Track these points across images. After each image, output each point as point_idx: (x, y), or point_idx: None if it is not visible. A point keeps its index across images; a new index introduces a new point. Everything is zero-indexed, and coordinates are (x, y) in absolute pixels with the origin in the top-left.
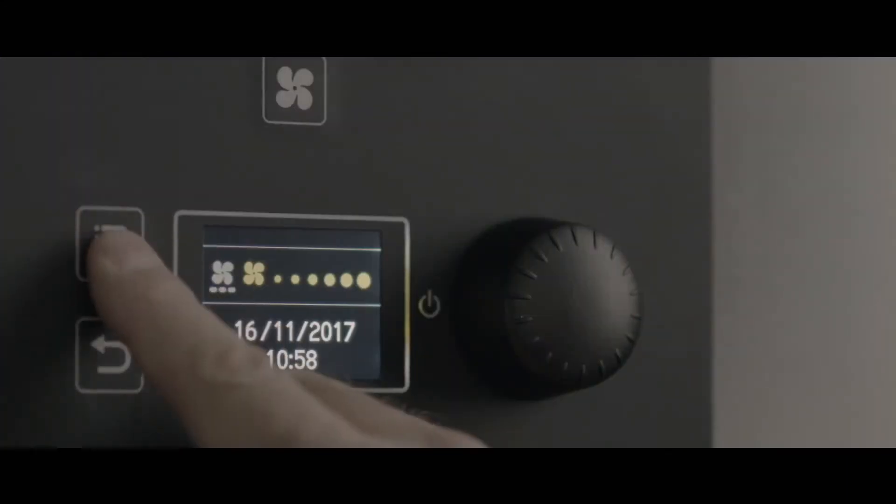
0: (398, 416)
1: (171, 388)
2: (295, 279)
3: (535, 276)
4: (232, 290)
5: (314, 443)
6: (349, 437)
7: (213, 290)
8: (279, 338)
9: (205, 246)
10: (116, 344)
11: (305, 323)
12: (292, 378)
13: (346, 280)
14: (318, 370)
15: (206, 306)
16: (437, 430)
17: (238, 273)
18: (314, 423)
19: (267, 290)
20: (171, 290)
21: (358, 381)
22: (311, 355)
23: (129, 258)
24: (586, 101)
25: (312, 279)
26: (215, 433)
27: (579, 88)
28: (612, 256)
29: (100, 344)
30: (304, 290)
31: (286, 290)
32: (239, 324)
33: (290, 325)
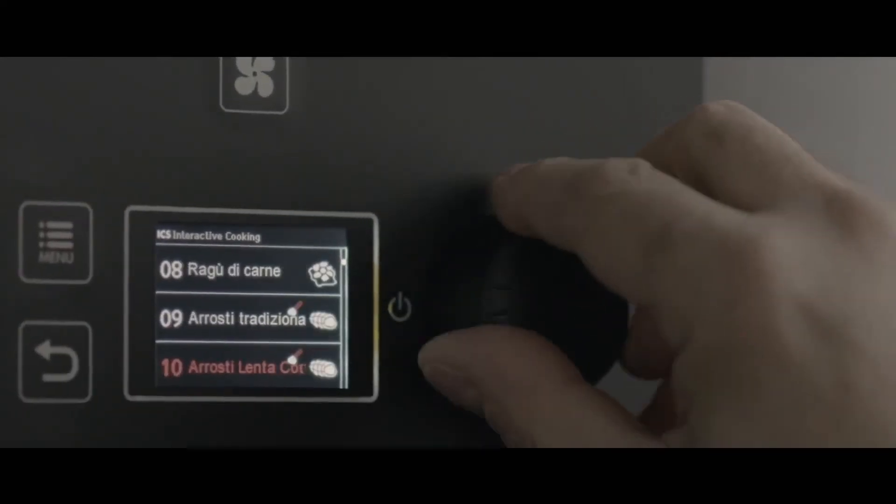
0: (800, 174)
1: (560, 226)
2: (255, 280)
3: (516, 269)
4: (186, 290)
5: (690, 235)
6: (725, 220)
7: (164, 291)
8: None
9: (157, 244)
10: (63, 349)
11: (267, 326)
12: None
13: (311, 280)
14: (280, 375)
15: (157, 307)
16: (840, 192)
17: (193, 272)
18: (688, 217)
19: (224, 291)
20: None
21: (322, 391)
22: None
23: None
24: (575, 99)
25: (274, 279)
26: (599, 247)
27: (567, 86)
28: None
29: (45, 350)
30: (264, 291)
31: (245, 291)
32: (193, 324)
33: (249, 329)
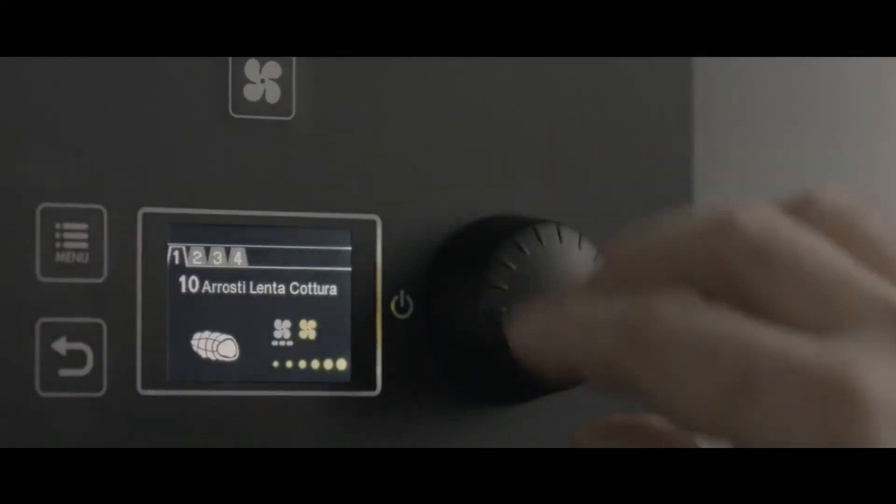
0: (860, 295)
1: (618, 375)
2: (263, 278)
3: (513, 266)
4: (197, 290)
5: (773, 377)
6: (803, 354)
7: (178, 290)
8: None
9: (170, 245)
10: (78, 345)
11: (274, 323)
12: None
13: (316, 279)
14: (285, 371)
15: (171, 308)
16: None
17: (204, 273)
18: (765, 355)
19: (234, 291)
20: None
21: (328, 385)
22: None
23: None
24: (566, 100)
25: (281, 278)
26: (671, 396)
27: (559, 86)
28: (595, 260)
29: (61, 345)
30: (272, 290)
31: (254, 290)
32: (205, 325)
33: (257, 325)
